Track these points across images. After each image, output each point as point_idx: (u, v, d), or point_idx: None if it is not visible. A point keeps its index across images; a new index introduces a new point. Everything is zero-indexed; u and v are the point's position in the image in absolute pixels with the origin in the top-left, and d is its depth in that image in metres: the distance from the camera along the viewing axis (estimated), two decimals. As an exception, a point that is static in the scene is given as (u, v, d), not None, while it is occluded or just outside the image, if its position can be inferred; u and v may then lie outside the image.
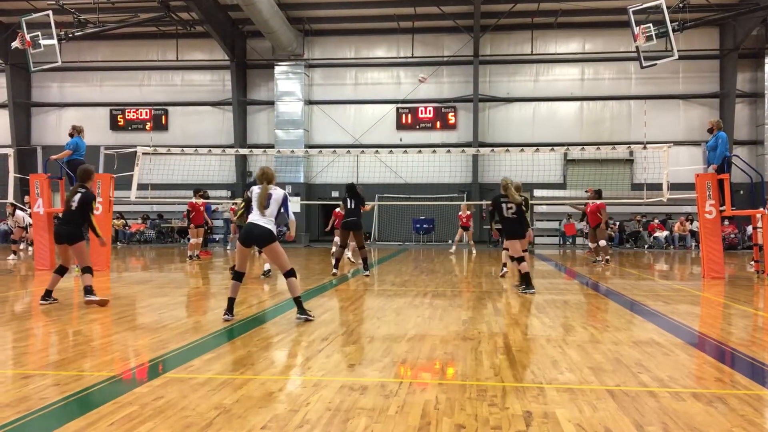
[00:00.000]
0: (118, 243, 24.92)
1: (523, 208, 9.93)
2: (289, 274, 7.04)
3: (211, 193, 25.49)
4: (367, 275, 12.10)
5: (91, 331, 6.52)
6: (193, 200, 17.06)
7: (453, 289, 10.34)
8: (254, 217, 6.92)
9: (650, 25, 17.64)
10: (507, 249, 11.11)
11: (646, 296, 9.35)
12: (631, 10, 17.59)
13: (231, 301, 7.03)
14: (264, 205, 6.87)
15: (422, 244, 26.21)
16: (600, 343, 5.83)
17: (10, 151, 15.42)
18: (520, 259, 9.71)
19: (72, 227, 8.12)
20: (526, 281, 9.65)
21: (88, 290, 8.07)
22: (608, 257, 16.03)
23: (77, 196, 8.13)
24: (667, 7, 17.47)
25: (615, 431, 3.46)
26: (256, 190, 7.03)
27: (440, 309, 7.99)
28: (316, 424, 3.54)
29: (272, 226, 6.92)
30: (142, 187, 16.14)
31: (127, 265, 15.83)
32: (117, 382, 4.49)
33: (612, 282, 11.76)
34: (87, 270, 8.17)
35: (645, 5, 17.62)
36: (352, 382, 4.43)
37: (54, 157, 13.60)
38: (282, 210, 7.03)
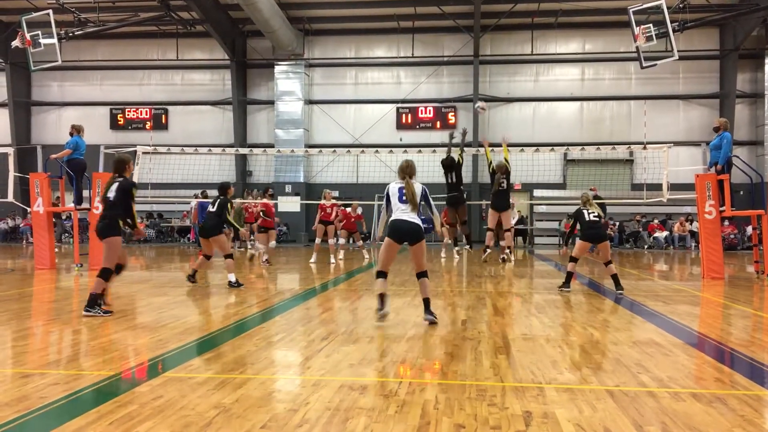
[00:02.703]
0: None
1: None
2: (423, 274, 6.80)
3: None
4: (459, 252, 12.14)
5: (90, 330, 6.52)
6: (265, 200, 15.82)
7: (453, 288, 10.34)
8: (400, 213, 6.65)
9: (650, 25, 17.64)
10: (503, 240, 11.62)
11: (646, 296, 9.35)
12: (631, 11, 17.60)
13: (380, 297, 6.67)
14: (416, 201, 6.66)
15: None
16: (600, 343, 5.83)
17: (10, 150, 15.43)
18: (608, 263, 9.91)
19: (107, 221, 7.35)
20: (615, 281, 9.76)
21: (93, 300, 7.13)
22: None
23: (114, 185, 7.43)
24: (668, 8, 17.48)
25: (614, 431, 3.46)
26: (396, 186, 6.77)
27: (440, 309, 7.98)
28: (315, 423, 3.54)
29: (420, 221, 6.68)
30: (142, 186, 16.14)
31: (127, 264, 15.82)
32: (116, 381, 4.49)
33: (612, 282, 11.75)
34: (103, 273, 7.24)
35: (645, 5, 17.63)
36: (352, 381, 4.43)
37: (54, 156, 13.60)
38: (423, 203, 6.84)
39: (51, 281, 11.39)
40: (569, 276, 9.97)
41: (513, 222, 14.13)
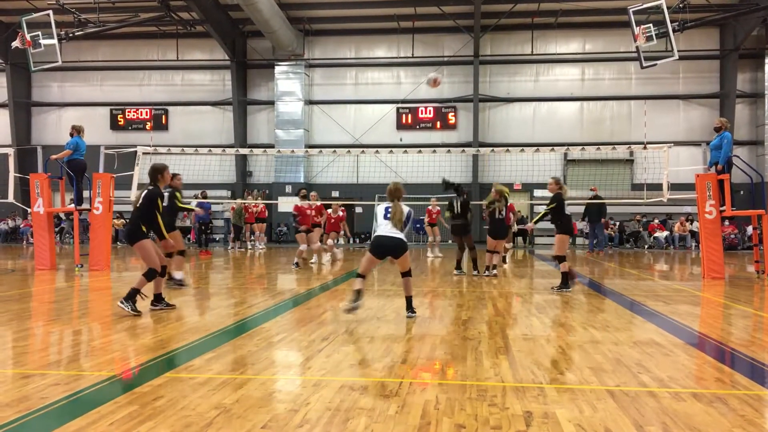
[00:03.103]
0: (117, 243, 24.92)
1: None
2: (407, 274, 7.34)
3: (212, 192, 25.53)
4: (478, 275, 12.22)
5: (91, 330, 6.52)
6: (299, 203, 14.95)
7: (453, 288, 10.33)
8: (385, 229, 7.17)
9: (650, 25, 17.65)
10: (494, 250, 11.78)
11: (647, 296, 9.35)
12: (631, 11, 17.60)
13: (357, 293, 7.14)
14: (403, 223, 7.16)
15: (422, 244, 26.18)
16: (600, 343, 5.82)
17: (11, 151, 15.41)
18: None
19: (132, 226, 7.50)
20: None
21: (130, 295, 7.16)
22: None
23: (144, 193, 7.57)
24: (668, 8, 17.48)
25: (615, 431, 3.46)
26: (383, 207, 7.29)
27: (440, 309, 7.99)
28: (316, 423, 3.54)
29: (402, 236, 7.20)
30: (142, 186, 16.09)
31: (127, 264, 15.83)
32: (117, 382, 4.49)
33: (612, 282, 11.76)
34: (148, 274, 7.31)
35: (645, 5, 17.63)
36: (352, 382, 4.43)
37: (54, 157, 13.59)
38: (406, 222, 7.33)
39: (51, 282, 11.39)
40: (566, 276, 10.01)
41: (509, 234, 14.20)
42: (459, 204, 12.67)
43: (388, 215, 7.22)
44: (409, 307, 7.33)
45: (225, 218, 26.29)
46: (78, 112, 28.76)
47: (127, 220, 7.49)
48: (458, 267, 12.60)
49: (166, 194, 9.64)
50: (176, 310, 7.66)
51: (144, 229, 7.44)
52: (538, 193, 25.69)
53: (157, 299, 7.62)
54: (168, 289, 9.36)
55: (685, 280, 12.56)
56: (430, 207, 18.64)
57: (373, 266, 7.39)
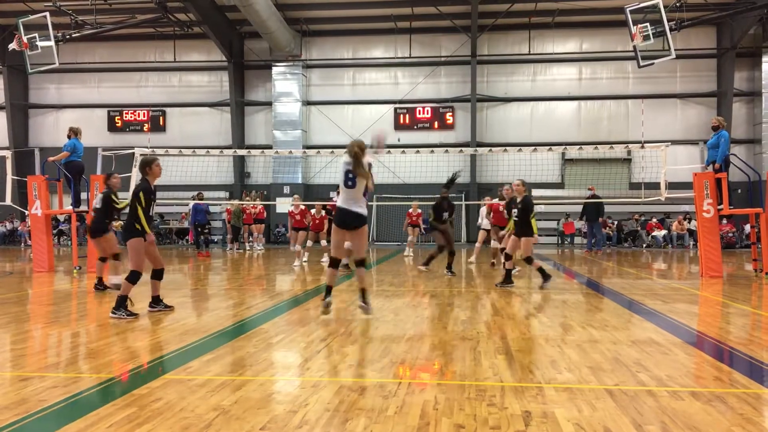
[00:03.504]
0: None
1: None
2: (361, 263, 7.11)
3: (209, 194, 25.47)
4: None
5: (89, 332, 6.51)
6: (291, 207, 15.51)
7: (451, 289, 10.34)
8: (344, 201, 7.00)
9: (647, 24, 17.67)
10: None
11: (645, 295, 9.36)
12: (628, 10, 17.62)
13: (328, 289, 7.09)
14: (365, 175, 6.87)
15: (420, 244, 26.19)
16: (599, 342, 5.83)
17: (8, 153, 15.40)
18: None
19: (125, 223, 7.56)
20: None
21: (119, 303, 7.16)
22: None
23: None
24: (664, 7, 17.50)
25: (614, 431, 3.46)
26: (343, 169, 7.00)
27: (439, 309, 7.99)
28: (315, 424, 3.54)
29: (363, 209, 6.97)
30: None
31: (126, 266, 15.79)
32: (116, 384, 4.48)
33: (611, 281, 11.77)
34: (131, 277, 7.23)
35: (642, 5, 17.64)
36: (351, 382, 4.43)
37: (51, 159, 13.58)
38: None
39: (49, 284, 11.38)
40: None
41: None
42: (447, 205, 12.63)
43: (350, 182, 6.94)
44: (363, 298, 7.12)
45: (222, 219, 26.25)
46: (75, 114, 28.71)
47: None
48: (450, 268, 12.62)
49: (99, 196, 9.66)
50: (175, 311, 7.65)
51: (138, 227, 7.26)
52: (536, 192, 25.65)
53: (156, 301, 7.60)
54: (106, 292, 9.29)
55: (684, 279, 12.57)
56: (410, 210, 18.65)
57: (342, 242, 7.21)
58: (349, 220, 6.97)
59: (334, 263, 7.16)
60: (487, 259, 15.70)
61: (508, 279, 10.27)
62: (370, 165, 7.01)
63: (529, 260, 10.04)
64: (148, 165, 7.47)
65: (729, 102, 25.59)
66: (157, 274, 7.62)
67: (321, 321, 7.03)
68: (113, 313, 7.14)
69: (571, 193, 25.48)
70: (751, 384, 4.44)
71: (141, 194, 7.26)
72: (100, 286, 9.66)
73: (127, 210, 8.21)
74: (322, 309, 7.09)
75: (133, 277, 7.23)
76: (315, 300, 8.97)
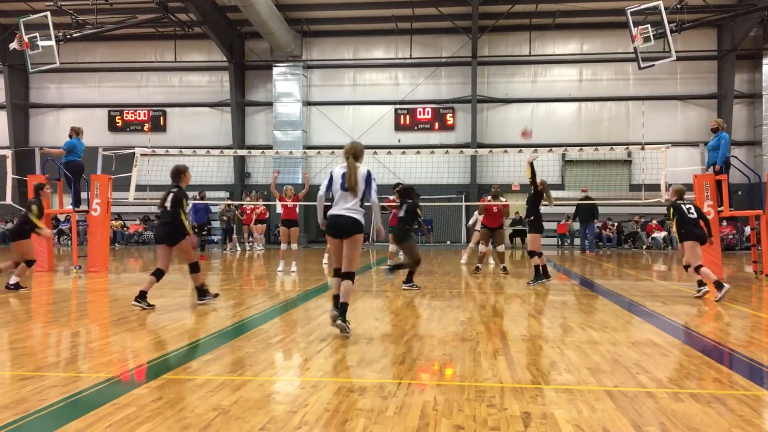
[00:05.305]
0: (116, 244, 24.91)
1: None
2: (347, 276, 6.21)
3: (210, 194, 25.52)
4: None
5: (89, 332, 6.51)
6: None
7: (451, 289, 10.34)
8: (342, 206, 6.26)
9: (648, 26, 17.67)
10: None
11: (644, 297, 9.36)
12: (629, 11, 17.63)
13: (335, 298, 6.34)
14: (357, 187, 6.24)
15: (420, 245, 26.20)
16: (598, 343, 5.83)
17: (8, 153, 15.40)
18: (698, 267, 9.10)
19: (169, 228, 7.96)
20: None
21: (201, 291, 8.19)
22: (505, 265, 13.43)
23: (170, 196, 7.95)
24: (665, 8, 17.50)
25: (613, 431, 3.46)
26: (339, 173, 6.42)
27: (438, 310, 7.99)
28: (314, 425, 3.54)
29: (359, 215, 6.23)
30: (140, 188, 16.11)
31: (126, 266, 15.81)
32: (115, 384, 4.48)
33: (610, 283, 11.77)
34: (194, 268, 8.14)
35: (643, 6, 17.65)
36: (351, 383, 4.43)
37: (47, 150, 13.60)
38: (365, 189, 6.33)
39: (49, 283, 11.37)
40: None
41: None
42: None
43: (345, 183, 6.26)
44: (342, 316, 6.10)
45: (221, 219, 26.24)
46: (76, 113, 28.71)
47: (157, 223, 8.08)
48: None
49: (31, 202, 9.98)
50: (174, 311, 7.66)
51: (185, 230, 7.95)
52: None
53: (142, 296, 7.82)
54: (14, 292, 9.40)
55: (683, 281, 12.57)
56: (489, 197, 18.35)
57: (341, 250, 6.22)
58: (339, 226, 6.18)
59: (338, 273, 6.37)
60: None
61: (543, 274, 10.63)
62: (369, 173, 6.41)
63: (531, 254, 10.27)
64: (183, 173, 8.17)
65: (729, 104, 25.59)
66: (158, 274, 7.89)
67: (321, 321, 7.03)
68: (200, 300, 8.16)
69: (571, 194, 25.46)
70: (751, 386, 4.44)
71: (184, 201, 7.95)
72: (12, 286, 9.76)
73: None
74: (330, 322, 6.35)
75: (196, 268, 8.15)
76: (315, 300, 8.97)
